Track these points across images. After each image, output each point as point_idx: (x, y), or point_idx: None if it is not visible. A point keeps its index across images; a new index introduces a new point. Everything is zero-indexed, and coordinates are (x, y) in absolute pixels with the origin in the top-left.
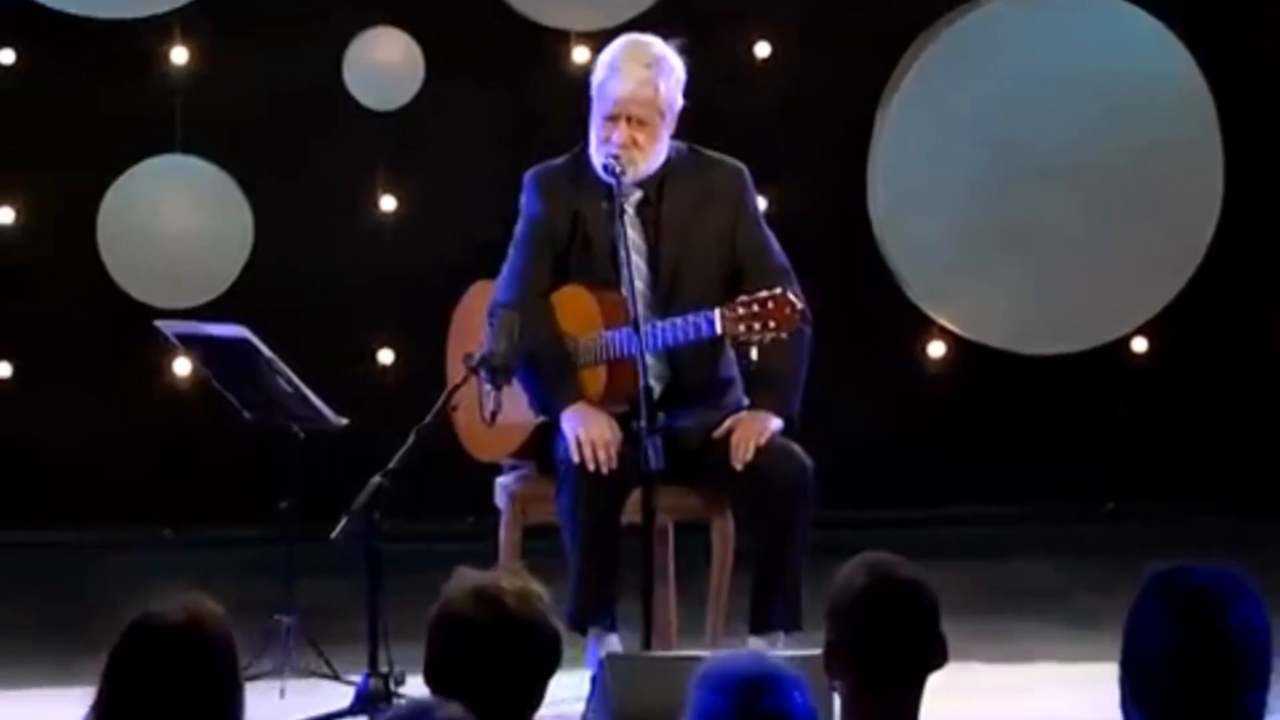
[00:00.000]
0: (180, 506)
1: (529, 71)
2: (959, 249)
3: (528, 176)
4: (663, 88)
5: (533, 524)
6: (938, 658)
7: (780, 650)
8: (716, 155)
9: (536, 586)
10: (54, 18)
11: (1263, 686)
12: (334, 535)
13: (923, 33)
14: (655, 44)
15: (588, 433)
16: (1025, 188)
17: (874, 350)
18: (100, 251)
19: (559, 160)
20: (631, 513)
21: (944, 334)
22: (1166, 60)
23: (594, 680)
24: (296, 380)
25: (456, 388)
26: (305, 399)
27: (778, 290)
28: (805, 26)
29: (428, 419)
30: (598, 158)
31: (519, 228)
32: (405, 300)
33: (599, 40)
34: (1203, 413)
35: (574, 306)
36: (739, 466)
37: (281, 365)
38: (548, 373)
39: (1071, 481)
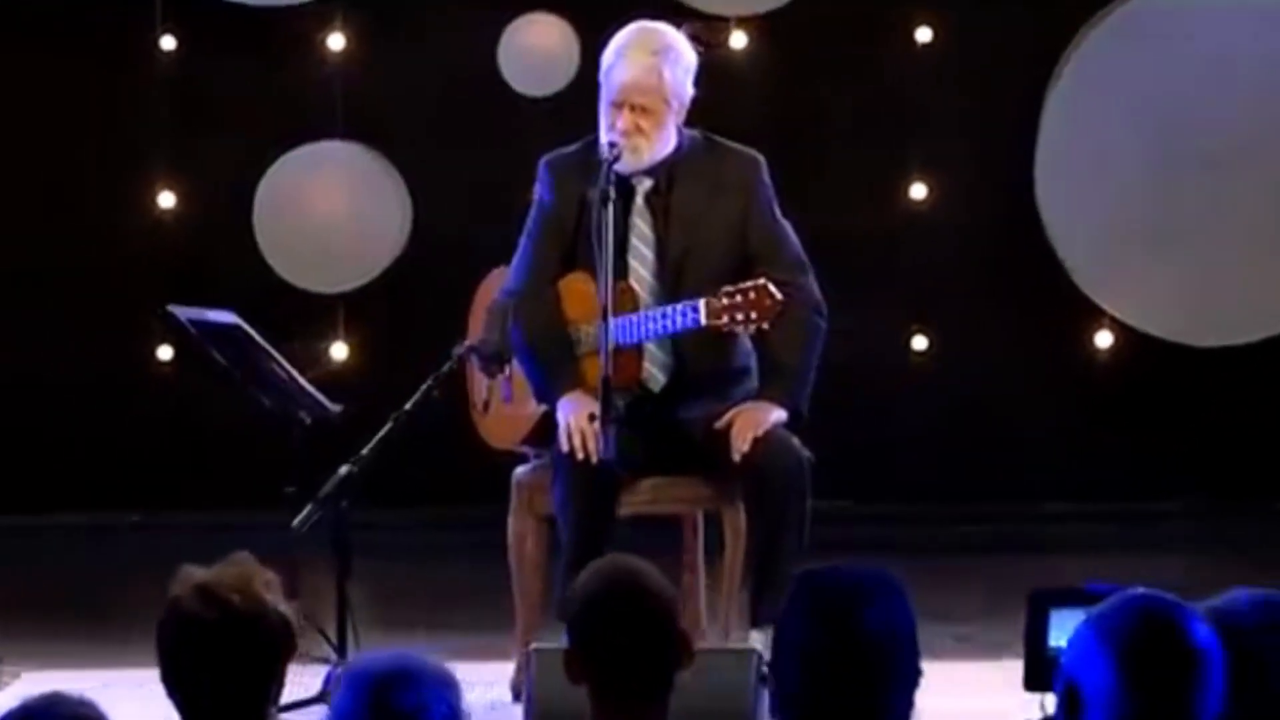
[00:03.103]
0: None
1: None
2: (1127, 239)
3: (541, 164)
4: (668, 75)
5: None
6: (680, 659)
7: None
8: (731, 144)
9: (264, 575)
10: (214, 4)
11: (906, 687)
12: (296, 523)
13: (1090, 19)
14: (665, 32)
15: (577, 421)
16: (1195, 176)
17: (1041, 340)
18: (256, 235)
19: (572, 148)
20: (631, 504)
21: (1113, 324)
22: None
23: None
24: (290, 368)
25: (440, 376)
26: (300, 386)
27: (760, 281)
28: (969, 10)
29: (407, 406)
30: (606, 145)
31: (531, 215)
32: None
33: (759, 26)
34: None
35: (577, 294)
36: (736, 457)
37: (274, 353)
38: (546, 361)
39: (1241, 478)
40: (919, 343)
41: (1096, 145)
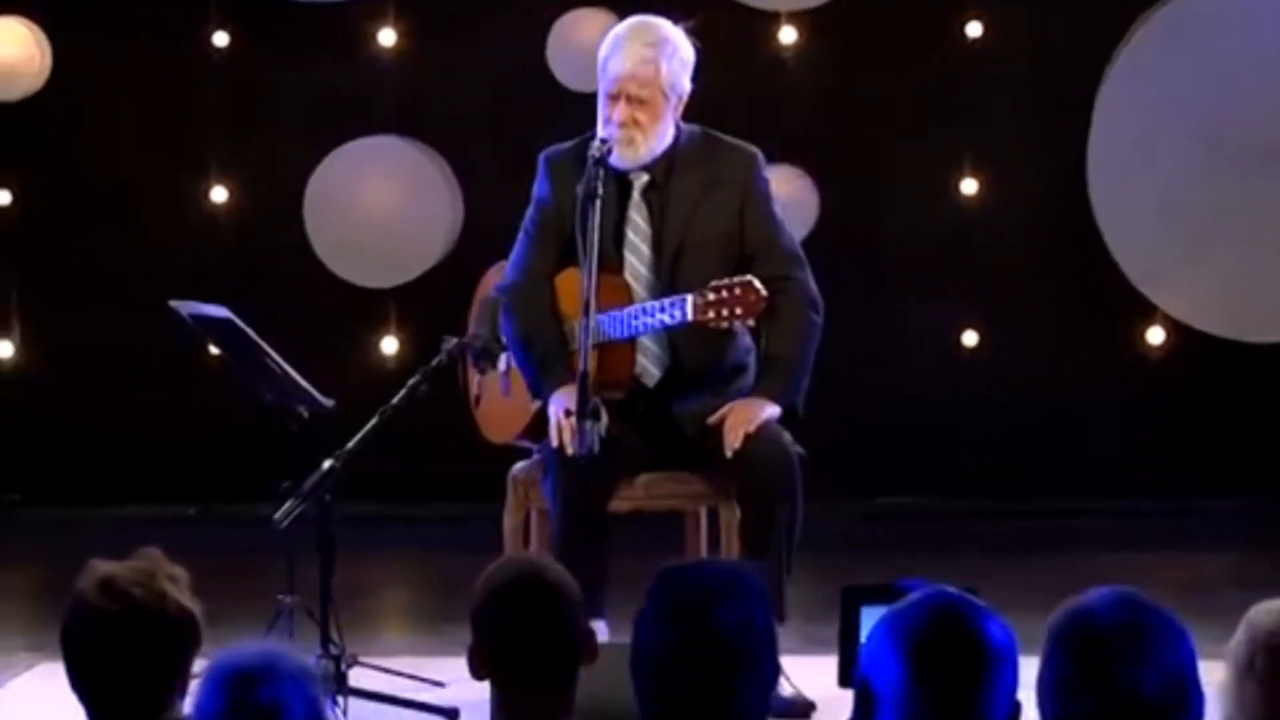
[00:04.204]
0: (399, 481)
1: (737, 53)
2: (1179, 234)
3: (540, 158)
4: (664, 68)
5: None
6: (582, 655)
7: None
8: (729, 140)
9: (170, 570)
10: (267, 0)
11: (761, 686)
12: (277, 518)
13: (1141, 14)
14: (662, 25)
15: (565, 416)
16: (1247, 172)
17: (1093, 336)
18: (307, 231)
19: (569, 143)
20: (627, 499)
21: (1165, 320)
22: None
23: None
24: (282, 362)
25: (429, 371)
26: (294, 380)
27: (746, 277)
28: (1020, 4)
29: (395, 401)
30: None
31: (528, 210)
32: None
33: (808, 21)
34: None
35: (572, 290)
36: (728, 453)
37: (266, 347)
38: (539, 356)
39: None
40: (970, 338)
41: (1148, 141)
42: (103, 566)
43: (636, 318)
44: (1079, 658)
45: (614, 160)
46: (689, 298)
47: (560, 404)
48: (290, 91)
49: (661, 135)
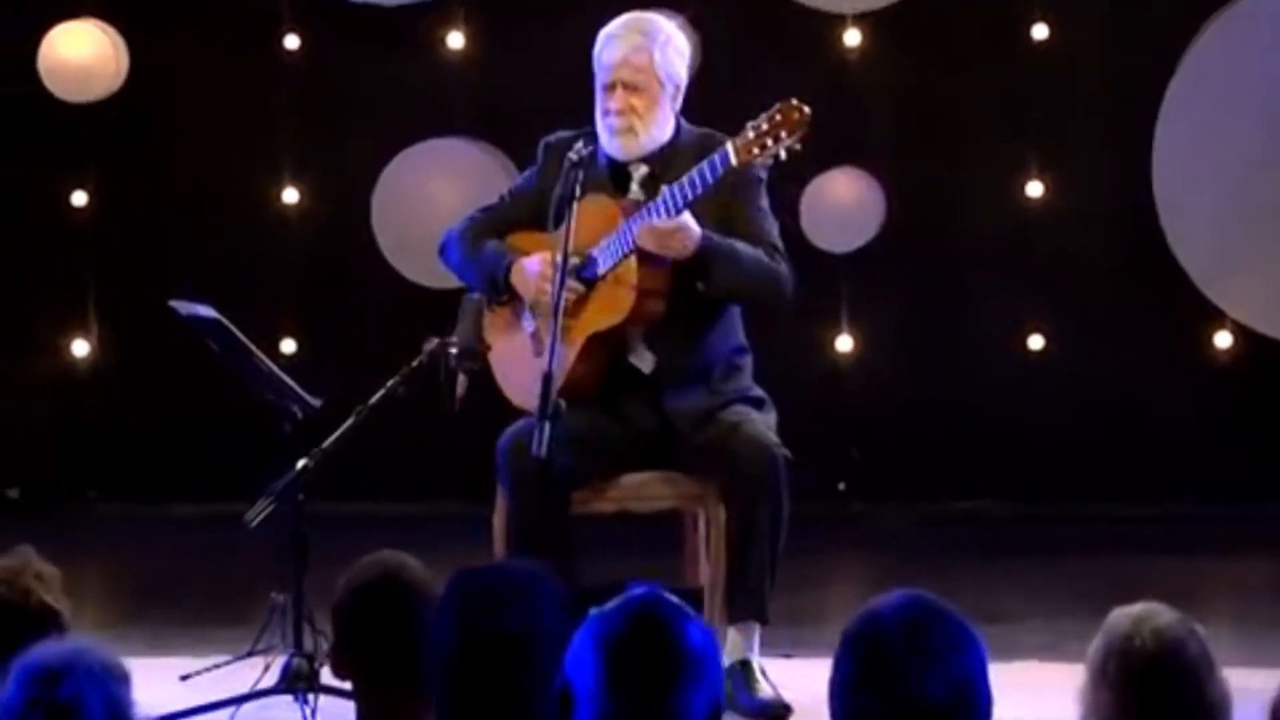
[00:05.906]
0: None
1: (803, 55)
2: (1247, 239)
3: (540, 145)
4: (658, 56)
5: None
6: None
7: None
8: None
9: (38, 568)
10: (338, 3)
11: (551, 688)
12: (247, 517)
13: (1209, 16)
14: (654, 17)
15: (544, 270)
16: None
17: (1160, 340)
18: (375, 232)
19: (571, 133)
20: (614, 500)
21: (1232, 325)
22: None
23: None
24: (270, 363)
25: (412, 369)
26: (282, 381)
27: (785, 99)
28: (1085, 7)
29: (371, 401)
30: (602, 133)
31: (514, 180)
32: None
33: (874, 23)
34: None
35: (591, 214)
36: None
37: (253, 347)
38: (485, 259)
39: None
40: (1036, 341)
41: (1214, 146)
42: None
43: (680, 191)
44: (865, 660)
45: (614, 150)
46: (729, 144)
47: (528, 266)
48: (359, 94)
49: (660, 124)
